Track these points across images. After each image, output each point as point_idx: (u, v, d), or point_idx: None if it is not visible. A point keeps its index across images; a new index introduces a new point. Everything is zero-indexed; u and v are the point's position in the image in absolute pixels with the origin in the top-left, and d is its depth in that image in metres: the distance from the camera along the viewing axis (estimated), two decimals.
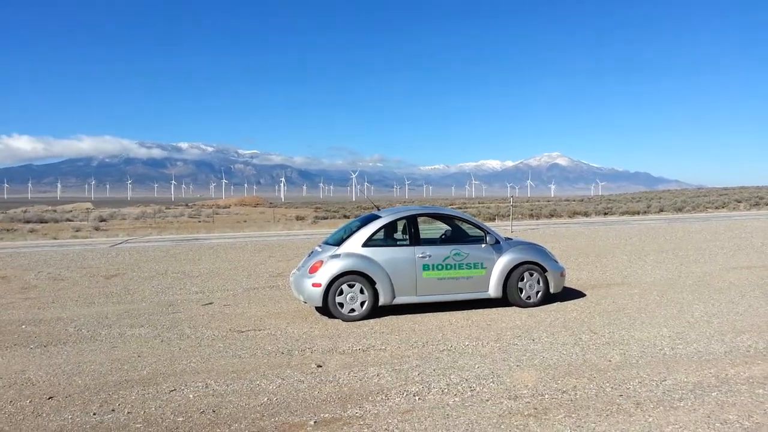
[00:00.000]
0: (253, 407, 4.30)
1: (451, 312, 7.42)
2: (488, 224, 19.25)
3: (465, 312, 7.42)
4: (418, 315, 7.31)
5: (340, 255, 7.19)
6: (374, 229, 7.41)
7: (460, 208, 61.65)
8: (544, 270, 7.69)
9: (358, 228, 7.52)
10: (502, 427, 3.86)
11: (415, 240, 7.41)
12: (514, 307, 7.59)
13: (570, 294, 8.46)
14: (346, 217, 50.50)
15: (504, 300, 7.62)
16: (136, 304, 8.64)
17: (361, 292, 7.09)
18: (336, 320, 7.11)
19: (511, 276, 7.51)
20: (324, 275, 7.04)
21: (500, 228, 23.84)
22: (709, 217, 30.98)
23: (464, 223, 7.98)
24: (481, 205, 74.43)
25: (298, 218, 49.50)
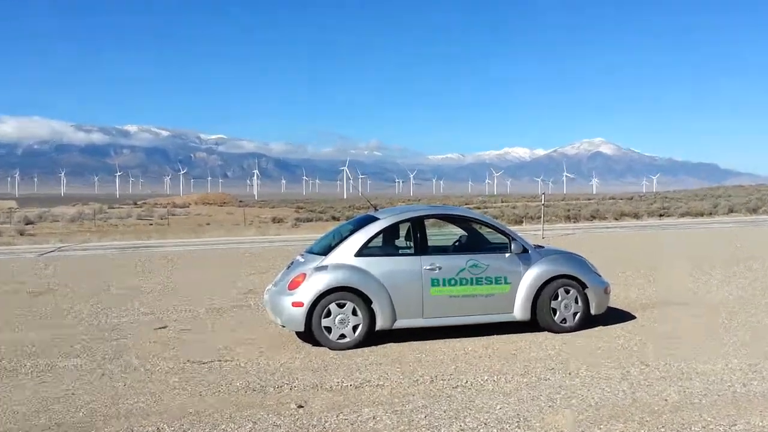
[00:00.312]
0: None
1: (466, 338, 7.42)
2: (513, 228, 19.30)
3: (484, 338, 7.42)
4: (425, 342, 7.31)
5: (327, 267, 7.19)
6: (371, 235, 7.42)
7: (479, 208, 61.79)
8: (584, 286, 7.70)
9: (351, 233, 7.53)
10: None
11: (422, 248, 7.42)
12: (545, 333, 7.60)
13: (616, 316, 8.47)
14: (335, 219, 50.51)
15: (533, 323, 7.64)
16: (70, 328, 8.63)
17: (354, 313, 7.10)
18: (322, 349, 7.11)
19: (542, 293, 7.53)
20: (307, 292, 7.05)
21: (528, 233, 23.84)
22: None
23: (483, 227, 7.99)
24: (504, 204, 74.60)
25: (275, 220, 49.60)
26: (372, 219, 7.73)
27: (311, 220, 50.08)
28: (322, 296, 7.05)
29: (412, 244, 7.53)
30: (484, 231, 8.04)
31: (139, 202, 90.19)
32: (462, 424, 4.78)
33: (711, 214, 40.80)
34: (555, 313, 7.58)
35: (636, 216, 39.93)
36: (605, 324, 7.98)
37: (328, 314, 7.07)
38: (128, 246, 23.83)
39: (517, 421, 4.81)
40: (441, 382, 5.84)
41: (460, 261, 7.40)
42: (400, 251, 7.67)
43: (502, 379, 5.86)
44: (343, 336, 7.09)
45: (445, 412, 5.06)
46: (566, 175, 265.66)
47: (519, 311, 7.50)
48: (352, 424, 4.85)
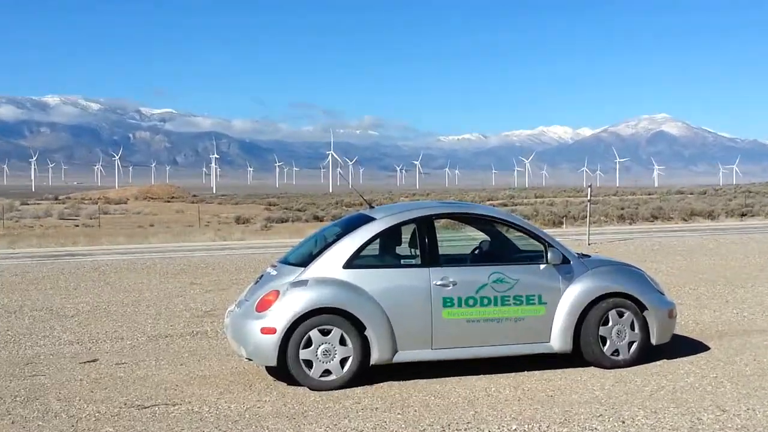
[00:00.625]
0: None
1: (488, 375, 7.43)
2: (550, 232, 19.31)
3: (511, 376, 7.43)
4: (434, 380, 7.32)
5: (307, 282, 7.20)
6: (364, 240, 7.43)
7: (505, 206, 61.85)
8: (642, 307, 7.72)
9: (339, 237, 7.54)
10: None
11: (431, 257, 7.43)
12: (591, 368, 7.61)
13: (684, 346, 8.49)
14: (318, 219, 50.43)
15: (576, 356, 7.66)
16: None
17: (342, 342, 7.10)
18: (300, 389, 7.11)
19: (587, 317, 7.54)
20: (281, 315, 7.05)
21: (570, 239, 23.89)
22: None
23: (511, 230, 8.01)
24: (539, 200, 74.52)
25: (239, 221, 49.54)
26: (366, 219, 7.73)
27: (286, 221, 50.06)
28: (300, 320, 7.04)
29: (418, 252, 7.54)
30: (513, 235, 8.05)
31: (61, 197, 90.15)
32: None
33: None
34: (604, 343, 7.58)
35: (711, 216, 40.00)
36: (670, 357, 8.00)
37: (309, 344, 7.06)
38: (48, 254, 23.79)
39: None
40: None
41: (480, 274, 7.40)
42: (403, 261, 7.68)
43: (536, 429, 5.86)
44: (327, 372, 7.08)
45: None
46: (619, 163, 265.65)
47: (557, 340, 7.51)
48: None
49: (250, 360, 7.34)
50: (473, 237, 8.46)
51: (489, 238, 8.18)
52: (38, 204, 69.25)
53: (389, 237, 7.70)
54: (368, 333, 7.12)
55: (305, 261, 7.47)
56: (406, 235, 7.84)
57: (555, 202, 63.52)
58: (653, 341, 7.76)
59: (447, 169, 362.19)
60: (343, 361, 7.10)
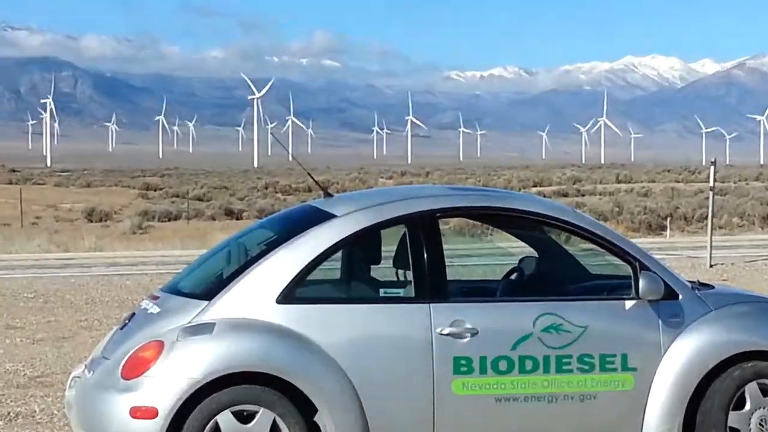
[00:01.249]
0: None
1: None
2: (644, 244, 19.44)
3: None
4: None
5: (214, 326, 7.19)
6: (316, 253, 7.44)
7: (565, 197, 61.96)
8: None
9: (271, 249, 7.59)
10: None
11: (434, 285, 7.46)
12: None
13: None
14: (232, 215, 50.39)
15: None
16: None
17: None
18: None
19: (708, 393, 7.61)
20: (167, 386, 7.03)
21: (679, 256, 24.05)
22: None
23: (576, 240, 8.02)
24: (622, 185, 74.82)
25: (93, 217, 49.37)
26: (319, 217, 7.76)
27: (177, 218, 50.07)
28: (200, 395, 7.03)
29: (410, 277, 7.55)
30: (578, 249, 8.08)
31: None
32: None
33: None
34: None
35: None
36: None
37: None
38: None
39: None
40: None
41: (521, 317, 7.44)
42: (384, 292, 7.72)
43: None
44: None
45: None
46: (765, 122, 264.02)
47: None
48: None
49: None
50: (507, 251, 8.48)
51: (536, 254, 8.20)
52: None
53: (359, 249, 7.79)
54: (321, 419, 7.13)
55: (211, 290, 7.47)
56: (389, 245, 7.85)
57: (651, 190, 63.91)
58: None
59: (461, 128, 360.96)
60: None
